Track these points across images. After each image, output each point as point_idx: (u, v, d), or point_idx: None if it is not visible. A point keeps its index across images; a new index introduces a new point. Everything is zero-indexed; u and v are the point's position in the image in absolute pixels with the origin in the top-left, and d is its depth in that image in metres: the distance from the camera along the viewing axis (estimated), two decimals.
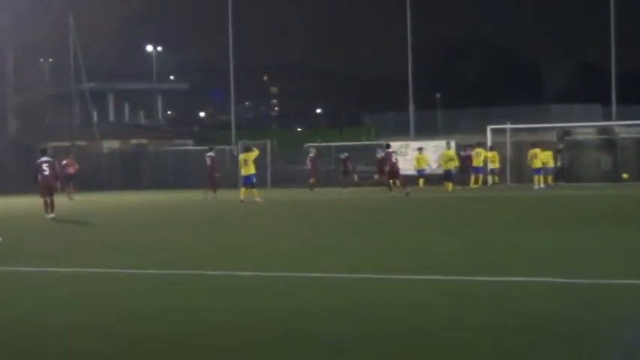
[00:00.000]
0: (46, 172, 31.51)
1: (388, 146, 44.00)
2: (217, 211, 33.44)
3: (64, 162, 45.61)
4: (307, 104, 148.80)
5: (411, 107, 63.28)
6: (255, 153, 39.48)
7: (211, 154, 44.24)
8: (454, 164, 46.09)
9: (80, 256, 17.75)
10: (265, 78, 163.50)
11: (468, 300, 11.43)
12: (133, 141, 78.18)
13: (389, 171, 41.81)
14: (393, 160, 42.08)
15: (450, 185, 44.39)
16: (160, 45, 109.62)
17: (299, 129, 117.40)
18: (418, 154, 51.04)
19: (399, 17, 65.07)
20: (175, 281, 14.03)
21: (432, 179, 49.14)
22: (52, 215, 30.80)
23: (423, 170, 50.56)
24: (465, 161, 48.46)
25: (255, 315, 10.82)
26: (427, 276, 13.68)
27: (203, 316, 10.91)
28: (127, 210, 35.62)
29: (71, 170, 45.45)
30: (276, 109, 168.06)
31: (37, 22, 70.34)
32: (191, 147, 71.42)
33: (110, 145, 72.87)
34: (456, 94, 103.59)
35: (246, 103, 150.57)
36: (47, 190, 31.45)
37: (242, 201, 37.22)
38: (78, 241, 21.97)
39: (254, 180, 38.78)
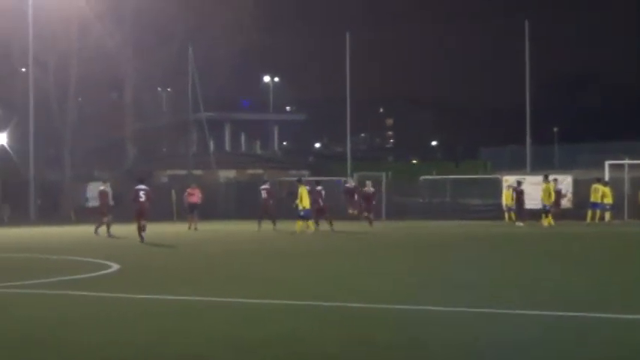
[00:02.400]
0: (142, 199, 34.04)
1: (318, 183, 42.40)
2: (331, 243, 33.19)
3: (188, 191, 45.60)
4: (422, 136, 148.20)
5: (528, 141, 62.28)
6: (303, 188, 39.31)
7: (266, 186, 43.67)
8: (551, 199, 44.86)
9: (193, 285, 17.67)
10: (381, 110, 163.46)
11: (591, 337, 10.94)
12: (249, 171, 78.68)
13: (317, 209, 40.03)
14: (320, 199, 40.53)
15: (546, 220, 42.83)
16: (277, 76, 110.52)
17: (414, 161, 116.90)
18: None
19: (517, 49, 64.29)
20: (282, 311, 13.83)
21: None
22: (140, 238, 33.03)
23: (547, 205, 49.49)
24: (558, 196, 47.22)
25: (367, 347, 10.50)
26: (541, 311, 13.27)
27: (309, 346, 10.74)
28: (244, 239, 35.59)
29: (194, 199, 44.85)
30: (391, 141, 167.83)
31: (156, 53, 71.52)
32: (307, 178, 71.53)
33: (226, 174, 73.38)
34: (574, 127, 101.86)
35: (362, 135, 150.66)
36: (142, 215, 33.78)
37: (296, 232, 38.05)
38: (194, 269, 21.94)
39: (302, 214, 38.75)
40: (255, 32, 73.19)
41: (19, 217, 60.69)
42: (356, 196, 47.91)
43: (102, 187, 39.02)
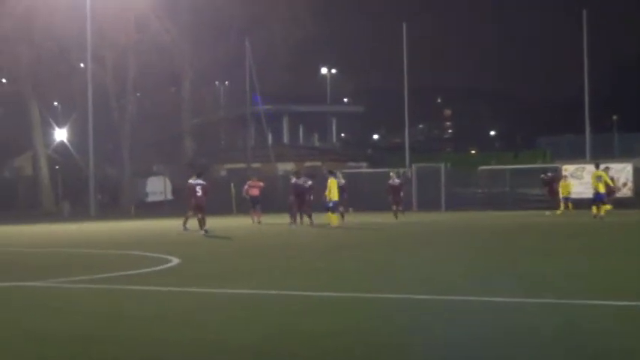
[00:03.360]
0: (199, 194, 34.72)
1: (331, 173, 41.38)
2: (378, 235, 32.98)
3: (248, 183, 45.23)
4: (481, 127, 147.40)
5: (587, 130, 61.56)
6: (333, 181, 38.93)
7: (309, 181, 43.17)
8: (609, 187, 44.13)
9: (253, 278, 17.56)
10: (439, 100, 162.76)
11: None
12: (307, 163, 78.65)
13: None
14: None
15: (596, 208, 41.82)
16: (335, 68, 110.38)
17: (473, 151, 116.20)
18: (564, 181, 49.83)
19: (575, 38, 63.51)
20: (344, 303, 13.67)
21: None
22: (203, 231, 33.74)
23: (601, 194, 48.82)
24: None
25: (423, 338, 10.37)
26: (608, 301, 13.01)
27: (368, 337, 10.66)
28: (300, 232, 35.48)
29: (255, 192, 44.40)
30: (449, 131, 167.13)
31: (213, 47, 71.69)
32: (365, 169, 71.36)
33: (284, 167, 73.42)
34: (634, 116, 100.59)
35: (420, 126, 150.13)
36: (198, 209, 34.68)
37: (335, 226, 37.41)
38: (254, 262, 21.84)
39: (330, 205, 38.32)
40: (312, 24, 73.10)
41: (79, 213, 61.16)
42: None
43: (191, 181, 38.66)
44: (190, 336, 11.10)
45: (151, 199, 70.53)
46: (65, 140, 71.57)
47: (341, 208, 41.54)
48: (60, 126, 72.24)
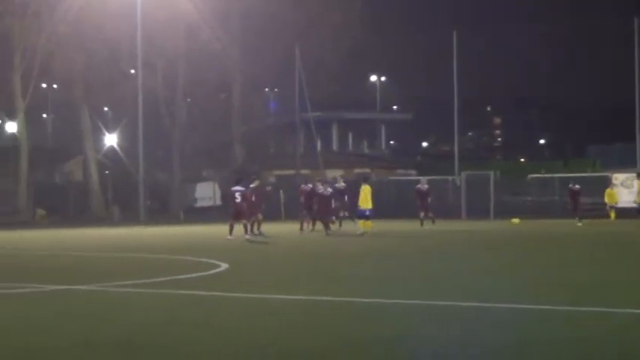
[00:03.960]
0: (238, 200, 34.95)
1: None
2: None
3: (300, 188, 44.87)
4: (530, 135, 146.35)
5: (638, 138, 60.93)
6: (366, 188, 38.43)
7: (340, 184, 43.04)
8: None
9: (302, 284, 17.56)
10: (488, 108, 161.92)
11: None
12: (357, 170, 78.54)
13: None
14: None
15: None
16: (384, 75, 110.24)
17: (522, 160, 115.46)
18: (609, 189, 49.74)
19: (626, 45, 62.91)
20: (394, 309, 13.60)
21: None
22: (247, 237, 34.33)
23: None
24: None
25: (474, 346, 10.27)
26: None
27: (420, 344, 10.64)
28: (349, 239, 35.40)
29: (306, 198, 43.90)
30: (498, 139, 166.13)
31: (263, 54, 71.86)
32: (414, 177, 71.16)
33: (333, 173, 73.36)
34: None
35: (469, 134, 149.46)
36: (238, 215, 34.87)
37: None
38: (302, 268, 21.84)
39: (367, 213, 37.57)
40: (361, 32, 73.04)
41: (129, 218, 61.51)
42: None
43: (252, 186, 38.53)
44: (240, 342, 11.07)
45: (200, 204, 70.80)
46: (115, 146, 72.02)
47: (341, 214, 41.53)
48: (110, 131, 72.71)
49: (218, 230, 37.65)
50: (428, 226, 41.52)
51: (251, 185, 36.95)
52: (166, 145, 73.94)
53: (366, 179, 40.88)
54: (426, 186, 42.95)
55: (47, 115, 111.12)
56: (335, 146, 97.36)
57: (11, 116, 67.97)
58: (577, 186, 46.66)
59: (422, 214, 42.14)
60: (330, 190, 39.13)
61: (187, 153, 73.94)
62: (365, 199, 37.48)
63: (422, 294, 15.60)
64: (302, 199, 41.01)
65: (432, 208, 43.10)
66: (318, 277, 19.29)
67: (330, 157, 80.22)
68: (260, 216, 36.84)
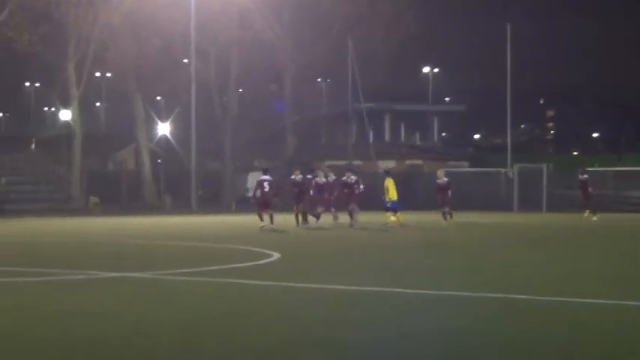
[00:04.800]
0: (266, 189, 35.18)
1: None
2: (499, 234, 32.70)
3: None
4: (584, 128, 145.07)
5: None
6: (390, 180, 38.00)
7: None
8: None
9: (351, 274, 17.57)
10: (541, 101, 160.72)
11: None
12: (408, 161, 78.37)
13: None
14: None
15: None
16: (437, 66, 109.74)
17: (575, 153, 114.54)
18: None
19: None
20: (452, 301, 13.59)
21: None
22: (272, 226, 34.17)
23: None
24: None
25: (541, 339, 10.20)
26: None
27: (480, 336, 10.55)
28: (410, 231, 35.36)
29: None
30: (551, 132, 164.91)
31: (315, 44, 71.82)
32: (466, 169, 70.87)
33: (385, 164, 73.25)
34: None
35: (522, 126, 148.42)
36: (265, 205, 35.02)
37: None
38: (352, 259, 21.85)
39: (389, 205, 37.15)
40: (414, 22, 72.72)
41: (181, 207, 61.82)
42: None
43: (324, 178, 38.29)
44: (291, 332, 11.10)
45: (251, 194, 71.07)
46: (168, 135, 72.39)
47: (319, 209, 40.49)
48: (163, 120, 73.07)
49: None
50: (447, 221, 40.21)
51: (316, 178, 37.17)
52: (218, 134, 74.19)
53: (387, 172, 40.50)
54: (445, 179, 41.49)
55: (100, 103, 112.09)
56: (387, 137, 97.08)
57: (65, 104, 68.51)
58: (585, 176, 45.24)
59: (444, 209, 40.78)
60: (353, 177, 38.06)
61: (239, 143, 74.16)
62: (391, 191, 37.33)
63: (476, 286, 15.54)
64: (295, 190, 38.13)
65: (450, 203, 41.46)
66: (370, 268, 19.28)
67: (382, 148, 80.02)
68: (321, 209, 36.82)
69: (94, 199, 64.25)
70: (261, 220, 34.74)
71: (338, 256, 23.23)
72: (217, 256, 22.81)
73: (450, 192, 40.05)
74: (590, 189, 44.46)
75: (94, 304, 13.52)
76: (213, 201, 67.89)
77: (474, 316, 12.18)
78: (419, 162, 78.33)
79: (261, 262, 20.47)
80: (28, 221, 45.68)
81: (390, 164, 72.69)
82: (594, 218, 42.82)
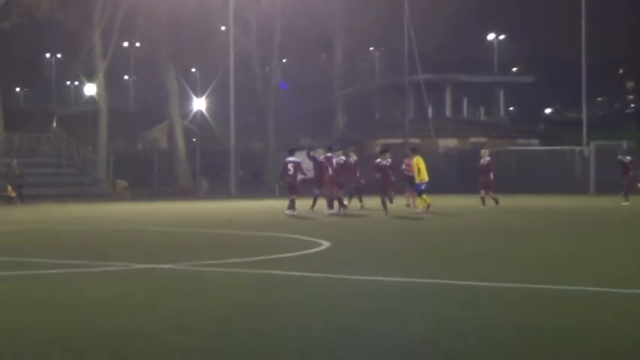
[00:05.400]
0: (291, 172, 35.72)
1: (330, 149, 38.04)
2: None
3: (405, 162, 44.27)
4: None
5: None
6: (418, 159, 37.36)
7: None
8: None
9: (406, 265, 17.52)
10: (621, 71, 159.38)
11: None
12: (472, 139, 78.08)
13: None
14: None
15: None
16: (503, 33, 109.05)
17: None
18: None
19: None
20: (508, 294, 13.53)
21: None
22: (294, 212, 34.71)
23: None
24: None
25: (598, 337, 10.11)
26: None
27: (534, 333, 10.58)
28: (460, 215, 35.20)
29: (410, 171, 43.24)
30: (632, 105, 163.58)
31: (368, 9, 71.60)
32: (536, 147, 70.45)
33: (446, 143, 73.04)
34: None
35: (599, 99, 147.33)
36: (291, 189, 35.51)
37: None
38: (408, 248, 21.74)
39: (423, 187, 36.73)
40: None
41: (218, 190, 62.01)
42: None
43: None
44: (339, 326, 11.04)
45: (298, 176, 71.11)
46: (204, 111, 72.59)
47: (488, 192, 40.14)
48: (198, 95, 73.29)
49: (319, 205, 37.54)
50: (485, 206, 39.82)
51: (341, 157, 36.88)
52: (260, 110, 74.27)
53: (415, 150, 39.85)
54: (488, 159, 40.82)
55: (129, 76, 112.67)
56: (448, 112, 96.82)
57: (90, 78, 68.90)
58: (628, 157, 44.30)
59: (482, 192, 40.24)
60: (389, 159, 36.76)
61: (283, 119, 74.20)
62: (422, 171, 36.82)
63: (536, 277, 15.37)
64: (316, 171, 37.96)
65: (494, 185, 41.00)
66: (423, 258, 19.25)
67: (442, 125, 79.80)
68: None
69: (121, 183, 64.67)
70: (290, 207, 35.08)
71: (392, 244, 23.12)
72: (260, 245, 22.77)
73: (492, 174, 39.67)
74: (631, 172, 43.58)
75: (123, 297, 13.55)
76: (254, 184, 68.03)
77: (547, 310, 12.03)
78: (483, 140, 77.89)
79: (310, 251, 20.44)
80: (49, 207, 46.00)
81: (452, 143, 72.53)
82: (625, 203, 41.86)
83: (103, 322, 11.38)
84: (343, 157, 37.97)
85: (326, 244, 21.95)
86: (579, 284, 14.40)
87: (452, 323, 11.21)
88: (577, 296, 13.52)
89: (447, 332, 10.67)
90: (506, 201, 41.76)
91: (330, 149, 36.97)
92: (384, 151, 37.32)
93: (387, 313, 11.99)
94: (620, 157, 44.84)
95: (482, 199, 39.66)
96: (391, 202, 35.88)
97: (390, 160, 36.36)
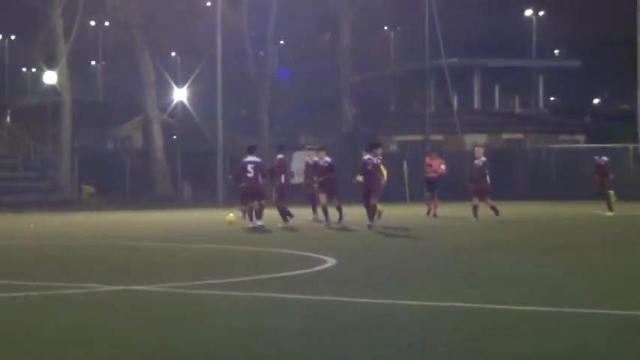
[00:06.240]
0: (251, 175, 34.80)
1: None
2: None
3: (426, 161, 44.37)
4: None
5: None
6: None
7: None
8: None
9: (427, 287, 17.62)
10: None
11: None
12: (505, 135, 78.17)
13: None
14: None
15: None
16: (542, 9, 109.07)
17: None
18: None
19: None
20: (547, 319, 13.51)
21: None
22: (260, 223, 34.51)
23: None
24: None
25: None
26: None
27: None
28: (492, 226, 35.28)
29: (433, 173, 43.33)
30: None
31: None
32: (582, 144, 70.54)
33: (475, 139, 73.11)
34: None
35: None
36: (252, 195, 34.92)
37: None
38: (428, 266, 21.81)
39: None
40: None
41: (203, 197, 62.08)
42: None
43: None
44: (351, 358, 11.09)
45: (297, 180, 71.17)
46: (186, 102, 72.69)
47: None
48: (179, 84, 73.40)
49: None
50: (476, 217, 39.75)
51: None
52: (253, 101, 74.36)
53: (370, 148, 38.60)
54: (483, 159, 40.49)
55: (97, 62, 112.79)
56: (476, 103, 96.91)
57: (50, 64, 68.92)
58: (604, 158, 43.94)
59: (475, 200, 39.87)
60: (380, 157, 35.10)
61: (280, 112, 74.28)
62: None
63: (583, 300, 15.43)
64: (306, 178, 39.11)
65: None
66: (447, 277, 19.33)
67: (470, 118, 79.91)
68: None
69: (88, 189, 64.77)
70: (249, 217, 35.17)
71: (408, 262, 23.16)
72: (254, 262, 22.86)
73: (488, 178, 39.37)
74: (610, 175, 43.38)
75: (93, 325, 13.58)
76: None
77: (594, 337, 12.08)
78: (519, 136, 78.12)
79: (313, 269, 20.50)
80: (1, 218, 46.08)
81: (481, 139, 72.55)
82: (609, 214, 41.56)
83: (72, 357, 11.42)
84: (316, 158, 37.85)
85: (331, 260, 21.98)
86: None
87: (478, 353, 11.22)
88: None
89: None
90: (544, 209, 41.81)
91: (250, 151, 36.07)
92: (374, 147, 35.44)
93: (403, 342, 12.04)
94: (597, 157, 44.54)
95: (475, 208, 39.39)
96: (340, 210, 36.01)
97: (381, 157, 34.92)
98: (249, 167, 34.94)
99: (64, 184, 66.11)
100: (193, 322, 13.97)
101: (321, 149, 37.67)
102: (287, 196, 37.32)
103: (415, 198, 49.40)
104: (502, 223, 36.53)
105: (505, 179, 60.77)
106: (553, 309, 14.70)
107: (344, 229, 33.88)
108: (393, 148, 75.53)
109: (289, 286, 17.88)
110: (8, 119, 73.74)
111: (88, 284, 18.15)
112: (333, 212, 35.92)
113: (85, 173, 66.53)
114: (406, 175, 55.37)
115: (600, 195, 43.29)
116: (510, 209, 40.81)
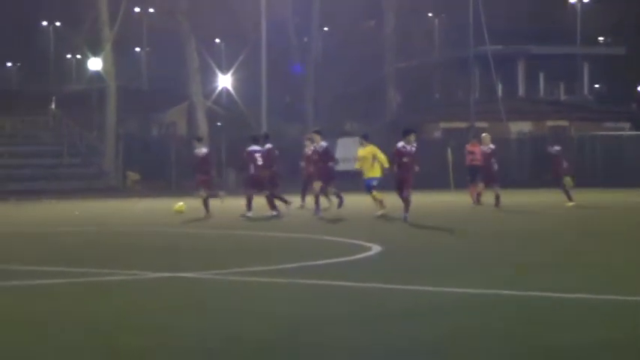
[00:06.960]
0: (260, 163, 34.28)
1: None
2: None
3: (468, 148, 43.99)
4: None
5: None
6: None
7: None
8: None
9: (474, 274, 17.55)
10: None
11: None
12: (550, 123, 77.79)
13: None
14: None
15: None
16: None
17: None
18: None
19: None
20: (600, 308, 13.37)
21: None
22: (250, 214, 33.93)
23: None
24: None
25: None
26: None
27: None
28: (531, 214, 35.13)
29: (476, 161, 42.94)
30: None
31: None
32: (628, 132, 70.15)
33: (519, 127, 72.80)
34: None
35: None
36: (258, 184, 34.41)
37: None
38: (474, 252, 21.74)
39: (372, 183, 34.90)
40: None
41: None
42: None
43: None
44: (398, 345, 11.12)
45: (342, 167, 71.09)
46: (230, 89, 72.71)
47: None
48: (223, 71, 73.42)
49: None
50: (480, 203, 39.39)
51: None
52: (297, 88, 74.36)
53: (366, 137, 37.25)
54: (491, 146, 39.22)
55: (141, 49, 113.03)
56: (521, 91, 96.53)
57: (95, 51, 69.07)
58: (556, 147, 42.51)
59: (481, 186, 39.48)
60: (415, 144, 32.81)
61: (325, 99, 74.24)
62: (375, 164, 35.06)
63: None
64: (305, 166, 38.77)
65: (499, 179, 40.48)
66: (501, 266, 19.24)
67: (514, 105, 79.52)
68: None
69: (133, 176, 64.84)
70: (249, 208, 34.22)
71: (454, 249, 23.09)
72: (298, 249, 22.91)
73: (496, 165, 38.79)
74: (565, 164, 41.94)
75: (136, 311, 13.65)
76: (290, 175, 68.07)
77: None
78: (564, 123, 77.63)
79: (357, 257, 20.46)
80: (47, 205, 46.24)
81: (526, 127, 72.28)
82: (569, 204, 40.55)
83: (121, 340, 11.50)
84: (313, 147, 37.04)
85: (376, 247, 21.94)
86: None
87: (532, 342, 11.22)
88: None
89: (527, 353, 10.65)
90: (589, 197, 41.54)
91: (255, 140, 35.85)
92: (408, 133, 32.61)
93: (453, 330, 12.02)
94: (549, 147, 43.29)
95: (479, 195, 39.07)
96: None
97: (415, 144, 32.36)
98: (257, 156, 34.43)
99: (109, 170, 66.26)
100: (240, 309, 13.99)
101: (316, 132, 37.02)
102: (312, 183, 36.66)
103: (459, 185, 49.16)
104: (508, 212, 36.36)
105: (547, 166, 60.49)
106: (601, 296, 14.65)
107: (384, 216, 33.42)
108: (438, 134, 75.38)
109: (335, 273, 17.88)
110: (53, 106, 73.82)
111: (135, 271, 18.21)
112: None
113: (130, 160, 66.53)
114: (450, 162, 55.11)
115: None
116: (557, 197, 40.47)
